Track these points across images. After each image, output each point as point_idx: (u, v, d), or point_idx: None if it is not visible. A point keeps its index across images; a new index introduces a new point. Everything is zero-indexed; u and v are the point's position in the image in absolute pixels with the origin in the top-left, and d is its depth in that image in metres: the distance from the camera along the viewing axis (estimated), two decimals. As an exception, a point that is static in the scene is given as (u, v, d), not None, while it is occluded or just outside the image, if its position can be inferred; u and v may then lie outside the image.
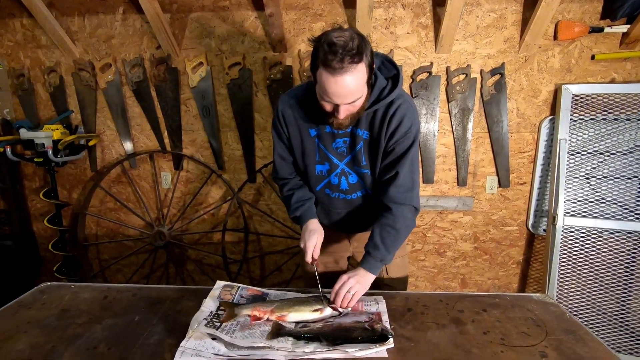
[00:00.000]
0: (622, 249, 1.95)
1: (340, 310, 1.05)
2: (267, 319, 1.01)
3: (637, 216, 1.89)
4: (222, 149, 2.20)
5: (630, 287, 1.95)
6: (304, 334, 0.95)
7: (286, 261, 2.27)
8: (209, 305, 1.06)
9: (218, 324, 0.98)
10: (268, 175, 2.19)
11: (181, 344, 0.91)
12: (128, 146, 2.24)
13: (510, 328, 1.00)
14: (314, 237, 1.14)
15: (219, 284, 1.18)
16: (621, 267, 1.94)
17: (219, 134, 2.18)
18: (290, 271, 2.31)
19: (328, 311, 1.05)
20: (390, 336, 0.92)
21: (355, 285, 1.07)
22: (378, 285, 1.21)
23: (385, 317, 1.04)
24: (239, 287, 1.18)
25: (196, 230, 2.32)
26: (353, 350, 0.89)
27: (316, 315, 1.03)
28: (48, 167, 2.13)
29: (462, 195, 2.15)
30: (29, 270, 2.41)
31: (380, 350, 0.90)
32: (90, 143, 2.22)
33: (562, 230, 1.91)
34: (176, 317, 1.05)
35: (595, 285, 1.95)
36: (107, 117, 2.21)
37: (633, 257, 1.93)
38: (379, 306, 1.10)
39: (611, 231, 1.91)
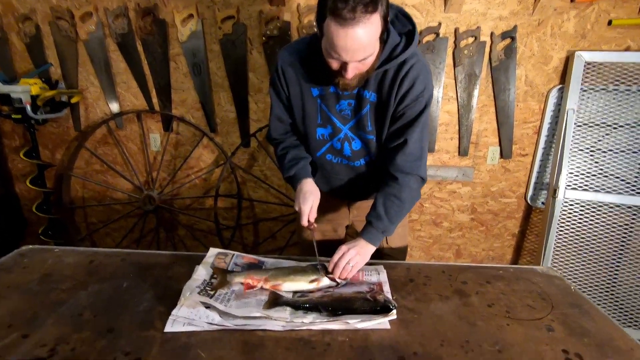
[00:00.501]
0: (618, 223, 1.94)
1: (339, 281, 1.01)
2: (262, 288, 0.97)
3: (638, 191, 1.87)
4: (214, 111, 2.08)
5: (621, 260, 1.96)
6: (303, 303, 0.91)
7: (280, 228, 2.22)
8: (202, 273, 1.01)
9: (212, 293, 0.93)
10: (263, 139, 2.10)
11: (173, 312, 0.86)
12: (114, 105, 2.10)
13: (515, 301, 0.97)
14: (309, 199, 1.07)
15: (213, 251, 1.12)
16: (616, 240, 1.94)
17: (211, 94, 2.05)
18: (284, 239, 2.27)
19: (325, 282, 1.00)
20: (393, 307, 0.88)
21: (355, 257, 1.02)
22: (377, 255, 1.16)
23: (386, 288, 1.00)
24: (233, 254, 1.12)
25: (187, 195, 2.24)
26: (354, 322, 0.85)
27: (313, 286, 0.98)
28: (27, 124, 2.00)
29: (463, 166, 2.09)
30: (12, 232, 2.33)
31: (383, 321, 0.86)
32: (73, 100, 2.07)
33: (562, 203, 1.88)
34: (167, 284, 1.00)
35: (589, 258, 1.96)
36: (89, 72, 2.06)
37: (629, 231, 1.92)
38: (380, 276, 1.06)
39: (610, 205, 1.89)
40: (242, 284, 0.97)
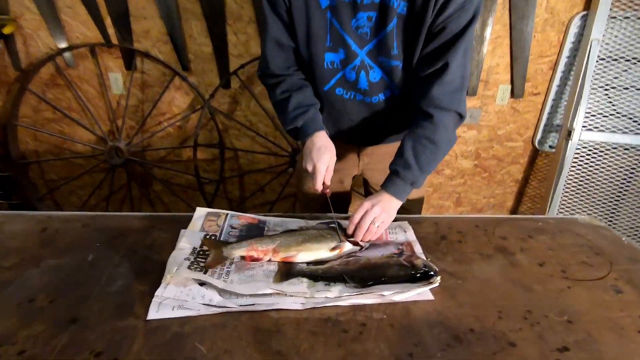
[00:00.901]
0: (630, 166, 1.84)
1: (362, 244, 0.83)
2: (270, 261, 0.77)
3: (655, 131, 1.75)
4: (185, 44, 1.75)
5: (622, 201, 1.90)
6: (323, 273, 0.73)
7: (269, 181, 2.01)
8: (190, 239, 0.80)
9: (204, 268, 0.73)
10: (246, 78, 1.80)
11: (157, 293, 0.66)
12: (59, 37, 1.72)
13: (567, 257, 0.83)
14: (324, 156, 0.86)
15: (200, 211, 0.90)
16: (634, 183, 1.85)
17: (180, 23, 1.70)
18: (274, 192, 2.07)
19: (347, 247, 0.82)
20: (434, 274, 0.72)
21: (381, 215, 0.83)
22: None
23: (417, 248, 0.83)
24: (227, 214, 0.91)
25: (161, 145, 1.96)
26: (390, 293, 0.68)
27: (334, 254, 0.80)
28: (-50, 61, 1.61)
29: (470, 107, 1.89)
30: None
31: (424, 291, 0.70)
32: (6, 30, 1.67)
33: (576, 146, 1.75)
34: (146, 255, 0.79)
35: (600, 203, 1.88)
36: (23, -7, 1.65)
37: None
38: (407, 234, 0.89)
39: (626, 147, 1.77)
40: (243, 257, 0.78)
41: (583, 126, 1.73)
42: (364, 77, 0.90)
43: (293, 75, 0.95)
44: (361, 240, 0.83)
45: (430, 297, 0.69)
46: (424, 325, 0.63)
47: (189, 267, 0.71)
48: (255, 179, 2.05)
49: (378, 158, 1.13)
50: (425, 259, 0.77)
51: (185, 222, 0.87)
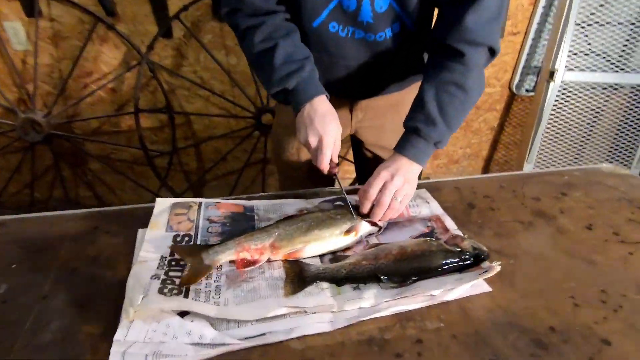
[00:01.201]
0: (617, 106, 1.81)
1: (381, 224, 0.66)
2: (269, 261, 0.58)
3: (635, 68, 1.71)
4: (106, -20, 1.36)
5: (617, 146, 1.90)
6: (349, 273, 0.54)
7: (232, 149, 1.74)
8: (154, 245, 0.57)
9: (181, 286, 0.51)
10: (192, 24, 1.46)
11: (117, 337, 0.44)
12: None
13: (611, 216, 0.72)
14: (331, 127, 0.66)
15: (162, 203, 0.67)
16: (613, 125, 1.84)
17: (95, -51, 1.30)
18: (238, 160, 1.81)
19: (364, 228, 0.64)
20: (484, 256, 0.57)
21: (403, 188, 0.65)
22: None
23: (449, 223, 0.67)
24: (200, 203, 0.68)
25: (92, 114, 1.60)
26: (440, 291, 0.52)
27: (349, 240, 0.62)
28: None
29: (449, 51, 1.73)
30: None
31: (479, 282, 0.55)
32: None
33: (559, 88, 1.67)
34: (91, 274, 0.55)
35: (575, 147, 1.86)
36: None
37: (624, 114, 1.82)
38: (431, 206, 0.72)
39: (604, 86, 1.73)
40: (232, 262, 0.57)
41: (565, 66, 1.65)
42: (367, 6, 0.68)
43: (277, 14, 0.70)
44: (380, 220, 0.66)
45: (487, 288, 0.54)
46: (494, 329, 0.49)
47: (161, 292, 0.49)
48: (215, 147, 1.77)
49: (375, 113, 0.93)
50: (463, 236, 0.61)
51: (142, 217, 0.64)
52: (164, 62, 1.53)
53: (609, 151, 1.89)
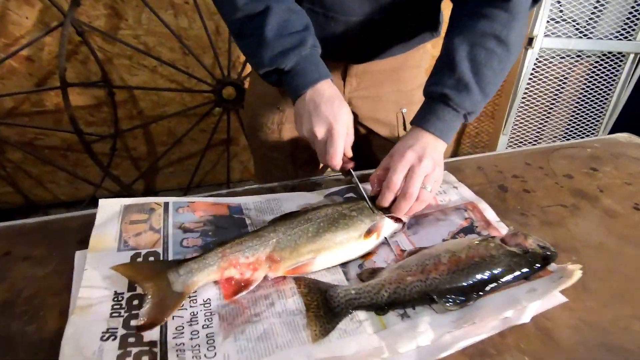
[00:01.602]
0: (599, 73, 1.79)
1: (405, 220, 0.51)
2: (267, 278, 0.42)
3: (600, 36, 1.69)
4: None
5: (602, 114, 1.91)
6: (392, 295, 0.40)
7: (189, 129, 1.49)
8: (101, 275, 0.38)
9: (138, 331, 0.33)
10: (128, -25, 1.18)
11: None
12: None
13: (651, 192, 0.64)
14: (342, 113, 0.53)
15: (110, 206, 0.47)
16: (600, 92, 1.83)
17: None
18: (196, 142, 1.57)
19: (388, 227, 0.50)
20: (550, 254, 0.45)
21: (433, 173, 0.51)
22: (361, 153, 0.66)
23: (489, 213, 0.55)
24: (165, 204, 0.49)
25: (4, 90, 1.27)
26: (512, 312, 0.39)
27: (372, 245, 0.48)
28: None
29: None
30: None
31: (555, 292, 0.43)
32: None
33: (537, 54, 1.61)
34: (5, 334, 0.35)
35: (542, 117, 1.84)
36: None
37: (586, 82, 1.82)
38: (461, 191, 0.59)
39: (573, 54, 1.70)
40: (216, 283, 0.40)
41: (544, 33, 1.58)
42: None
43: None
44: (405, 214, 0.51)
45: (562, 298, 0.43)
46: (589, 356, 0.37)
47: (121, 350, 0.31)
48: (168, 128, 1.52)
49: (372, 79, 0.78)
50: (512, 231, 0.49)
51: (80, 230, 0.44)
52: (96, 23, 1.24)
53: (572, 121, 1.90)
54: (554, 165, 0.70)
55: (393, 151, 0.53)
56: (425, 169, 0.50)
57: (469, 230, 0.52)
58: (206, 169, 1.65)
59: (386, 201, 0.51)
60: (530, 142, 1.88)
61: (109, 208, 0.47)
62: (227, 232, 0.47)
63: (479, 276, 0.41)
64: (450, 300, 0.40)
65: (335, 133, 0.51)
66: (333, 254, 0.46)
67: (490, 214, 0.55)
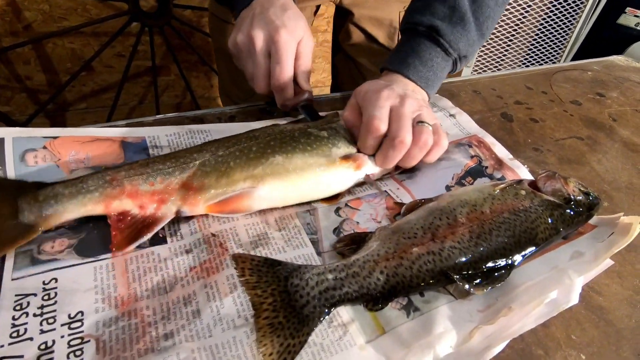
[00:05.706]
0: None
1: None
2: (180, 215, 0.27)
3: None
4: None
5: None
6: (391, 279, 0.25)
7: (99, 51, 1.17)
8: None
9: None
10: None
11: None
12: None
13: (664, 122, 0.55)
14: (294, 21, 0.36)
15: None
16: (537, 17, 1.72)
17: None
18: (114, 71, 1.25)
19: (371, 166, 0.35)
20: (598, 200, 0.33)
21: (422, 113, 0.35)
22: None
23: (499, 149, 0.41)
24: (1, 140, 0.29)
25: None
26: (556, 291, 0.27)
27: (347, 178, 0.33)
28: None
29: None
30: None
31: (606, 256, 0.31)
32: None
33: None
34: None
35: (504, 42, 1.73)
36: None
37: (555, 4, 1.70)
38: (460, 120, 0.45)
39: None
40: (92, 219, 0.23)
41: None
42: None
43: None
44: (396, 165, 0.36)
45: (608, 261, 0.31)
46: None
47: None
48: (71, 50, 1.18)
49: (363, 10, 0.59)
50: (545, 172, 0.36)
51: None
52: None
53: (535, 47, 1.82)
54: (558, 90, 0.57)
55: (359, 89, 0.36)
56: (411, 107, 0.34)
57: (477, 172, 0.38)
58: (131, 104, 1.36)
59: (368, 148, 0.34)
60: (491, 70, 1.79)
61: None
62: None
63: (512, 240, 0.28)
64: (477, 277, 0.26)
65: (282, 42, 0.34)
66: (284, 184, 0.30)
67: (500, 150, 0.41)
